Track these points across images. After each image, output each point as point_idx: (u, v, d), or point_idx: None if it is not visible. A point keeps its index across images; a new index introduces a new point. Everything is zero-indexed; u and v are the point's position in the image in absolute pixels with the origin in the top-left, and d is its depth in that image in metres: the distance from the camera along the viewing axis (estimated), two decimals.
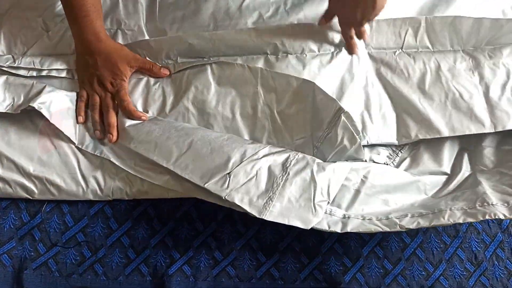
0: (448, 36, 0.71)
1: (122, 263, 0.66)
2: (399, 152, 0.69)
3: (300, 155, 0.62)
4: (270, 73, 0.69)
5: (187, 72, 0.71)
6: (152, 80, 0.72)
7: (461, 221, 0.57)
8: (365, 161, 0.67)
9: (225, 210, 0.68)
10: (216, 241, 0.67)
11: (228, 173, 0.59)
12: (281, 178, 0.59)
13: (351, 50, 0.71)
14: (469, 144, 0.71)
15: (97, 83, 0.69)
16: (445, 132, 0.66)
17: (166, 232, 0.68)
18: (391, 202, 0.64)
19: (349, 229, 0.59)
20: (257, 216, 0.57)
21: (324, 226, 0.59)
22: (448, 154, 0.70)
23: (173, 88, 0.71)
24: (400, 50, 0.72)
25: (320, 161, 0.63)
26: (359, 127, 0.66)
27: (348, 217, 0.61)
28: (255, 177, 0.59)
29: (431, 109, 0.67)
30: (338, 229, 0.59)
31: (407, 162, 0.69)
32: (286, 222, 0.57)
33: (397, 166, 0.69)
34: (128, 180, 0.66)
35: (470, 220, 0.57)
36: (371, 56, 0.72)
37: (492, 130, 0.66)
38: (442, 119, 0.67)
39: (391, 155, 0.69)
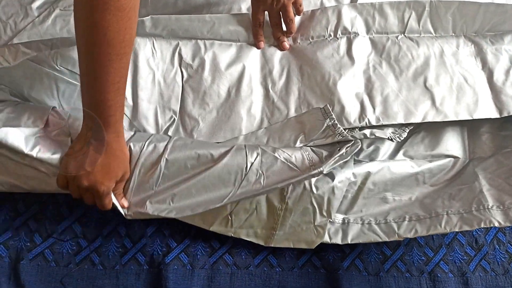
0: (452, 21, 0.70)
1: (119, 252, 0.66)
2: (406, 128, 0.67)
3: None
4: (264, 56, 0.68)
5: (177, 49, 0.69)
6: (141, 57, 0.69)
7: (457, 229, 0.58)
8: (365, 135, 0.64)
9: None
10: None
11: (229, 214, 0.60)
12: (280, 209, 0.60)
13: (257, 44, 0.70)
14: (468, 127, 0.69)
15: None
16: (452, 116, 0.65)
17: (162, 220, 0.67)
18: (390, 199, 0.64)
19: (349, 240, 0.61)
20: (264, 245, 0.62)
21: (326, 239, 0.61)
22: (449, 137, 0.69)
23: (163, 65, 0.69)
24: (402, 35, 0.70)
25: (318, 176, 0.60)
26: (357, 109, 0.65)
27: (348, 222, 0.62)
28: (255, 211, 0.60)
29: (438, 92, 0.66)
30: (339, 240, 0.62)
31: (407, 144, 0.69)
32: (291, 246, 0.62)
33: (397, 150, 0.68)
34: None
35: (466, 228, 0.58)
36: (372, 41, 0.70)
37: (498, 116, 0.65)
38: (449, 103, 0.65)
39: (396, 131, 0.67)
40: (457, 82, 0.67)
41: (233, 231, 0.61)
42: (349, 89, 0.64)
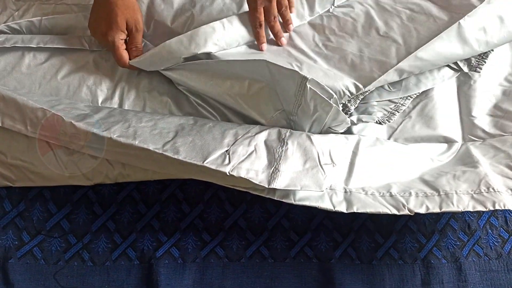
0: None
1: (109, 248, 0.65)
2: (395, 111, 0.66)
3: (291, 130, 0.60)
4: (218, 64, 0.64)
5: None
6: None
7: (470, 209, 0.55)
8: (352, 122, 0.64)
9: (212, 190, 0.67)
10: (204, 222, 0.66)
11: (226, 151, 0.56)
12: (280, 148, 0.57)
13: (260, 41, 0.67)
14: (460, 111, 0.69)
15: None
16: (421, 42, 0.63)
17: (152, 215, 0.66)
18: (387, 169, 0.62)
19: (355, 209, 0.56)
20: (266, 186, 0.53)
21: (329, 206, 0.56)
22: (441, 121, 0.68)
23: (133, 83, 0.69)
24: (333, 7, 0.71)
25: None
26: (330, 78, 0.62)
27: (350, 192, 0.59)
28: (254, 151, 0.56)
29: (395, 34, 0.66)
30: (343, 209, 0.56)
31: (399, 129, 0.68)
32: (298, 188, 0.54)
33: (390, 134, 0.67)
34: (108, 163, 0.63)
35: (479, 208, 0.55)
36: (310, 24, 0.70)
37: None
38: (411, 37, 0.65)
39: (385, 114, 0.65)
40: (407, 17, 0.67)
41: (231, 167, 0.54)
42: (315, 71, 0.63)
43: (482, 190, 0.57)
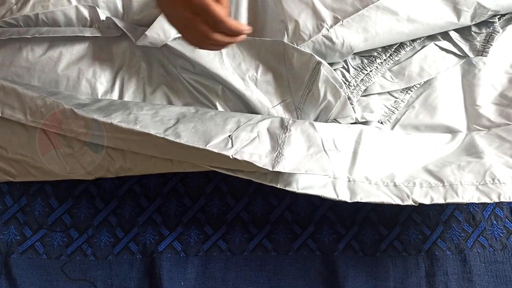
0: None
1: (111, 242, 0.65)
2: (395, 109, 0.66)
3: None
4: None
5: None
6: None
7: (475, 200, 0.55)
8: (356, 119, 0.63)
9: (213, 183, 0.67)
10: (206, 216, 0.66)
11: (229, 136, 0.55)
12: (283, 134, 0.56)
13: None
14: (465, 99, 0.68)
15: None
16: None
17: (153, 209, 0.66)
18: (391, 158, 0.61)
19: (358, 198, 0.55)
20: (270, 169, 0.52)
21: (333, 195, 0.55)
22: (445, 110, 0.67)
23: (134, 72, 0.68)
24: None
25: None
26: (311, 18, 0.62)
27: (354, 181, 0.58)
28: (257, 137, 0.56)
29: None
30: (347, 198, 0.55)
31: (403, 119, 0.67)
32: (303, 172, 0.53)
33: (393, 124, 0.67)
34: (109, 157, 0.63)
35: (484, 200, 0.55)
36: None
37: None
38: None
39: (386, 113, 0.66)
40: None
41: (234, 151, 0.53)
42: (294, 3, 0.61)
43: (487, 181, 0.56)
